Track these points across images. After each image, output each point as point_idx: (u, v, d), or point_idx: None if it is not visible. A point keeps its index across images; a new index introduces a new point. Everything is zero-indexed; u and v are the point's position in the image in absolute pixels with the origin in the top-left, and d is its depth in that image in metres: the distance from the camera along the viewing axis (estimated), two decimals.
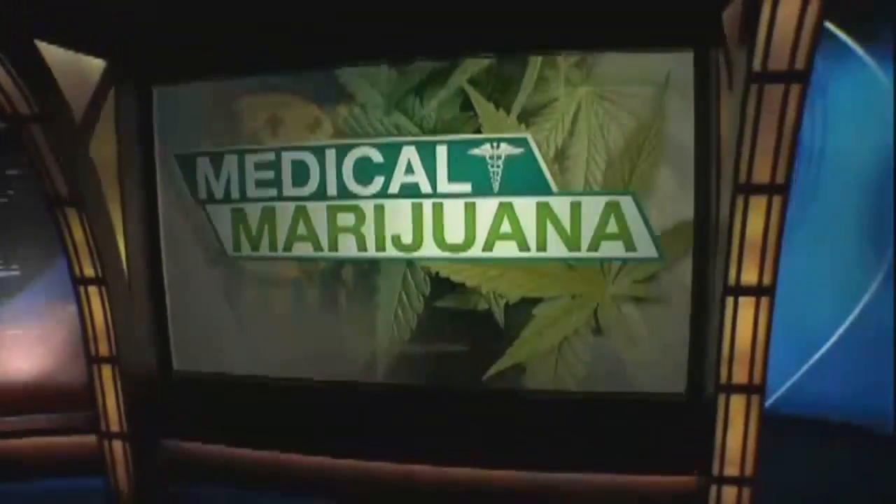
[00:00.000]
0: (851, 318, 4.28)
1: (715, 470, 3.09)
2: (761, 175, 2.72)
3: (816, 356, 4.41)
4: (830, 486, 3.70)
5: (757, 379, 3.00)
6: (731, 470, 3.10)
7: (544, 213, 3.33)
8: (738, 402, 3.04)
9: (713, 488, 3.11)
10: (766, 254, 2.85)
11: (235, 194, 3.57)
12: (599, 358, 3.38)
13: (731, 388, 3.02)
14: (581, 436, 3.41)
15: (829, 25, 4.21)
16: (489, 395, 3.48)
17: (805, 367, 4.47)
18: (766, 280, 2.88)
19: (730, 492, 3.12)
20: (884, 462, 3.78)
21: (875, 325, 4.10)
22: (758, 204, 2.78)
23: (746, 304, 2.93)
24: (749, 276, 2.88)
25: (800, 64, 2.50)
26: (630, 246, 3.29)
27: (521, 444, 3.44)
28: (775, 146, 2.67)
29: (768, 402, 4.57)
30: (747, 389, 3.01)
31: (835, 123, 4.24)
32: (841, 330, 4.31)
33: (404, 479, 3.52)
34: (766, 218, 2.79)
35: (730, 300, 2.93)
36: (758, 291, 2.89)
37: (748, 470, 3.09)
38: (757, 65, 2.50)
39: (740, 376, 3.00)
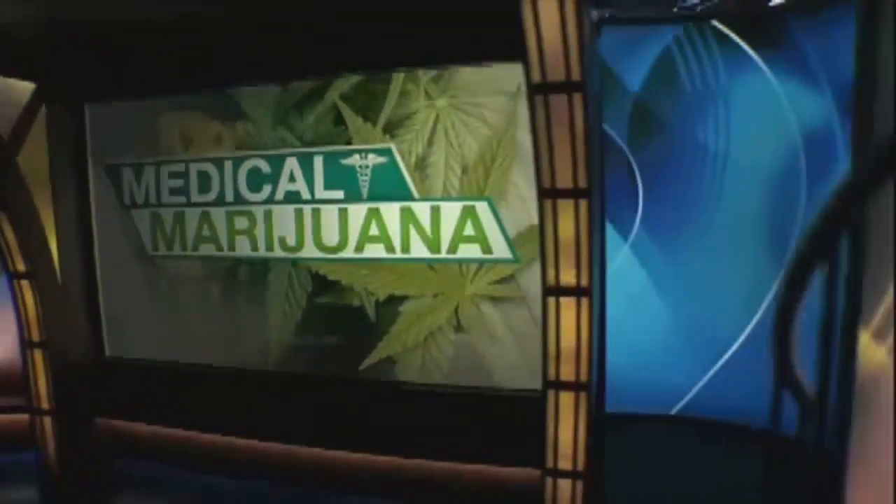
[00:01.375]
0: (754, 321, 4.20)
1: (549, 463, 3.21)
2: (563, 180, 2.85)
3: (723, 360, 4.35)
4: (718, 487, 3.72)
5: (583, 376, 3.10)
6: (564, 464, 3.21)
7: (407, 217, 3.58)
8: (566, 398, 3.15)
9: (549, 481, 3.23)
10: (580, 255, 2.96)
11: (153, 200, 4.07)
12: (462, 353, 3.58)
13: (559, 385, 3.14)
14: (445, 426, 3.62)
15: (730, 34, 4.19)
16: (365, 384, 3.76)
17: (712, 371, 4.42)
18: (584, 281, 2.99)
19: (564, 484, 3.23)
20: (776, 462, 3.74)
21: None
22: (565, 207, 2.91)
23: (567, 304, 3.04)
24: (567, 278, 3.00)
25: (575, 75, 2.63)
26: (486, 248, 3.48)
27: (391, 432, 3.69)
28: (571, 152, 2.80)
29: (679, 406, 4.59)
30: (575, 386, 3.12)
31: (736, 130, 4.19)
32: (745, 334, 4.24)
33: (291, 459, 3.87)
34: (576, 221, 2.91)
35: (551, 300, 3.06)
36: (577, 292, 3.01)
37: (580, 464, 3.19)
38: (536, 77, 2.66)
39: (567, 374, 3.11)
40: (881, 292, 3.02)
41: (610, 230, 4.17)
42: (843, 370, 3.06)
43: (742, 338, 4.32)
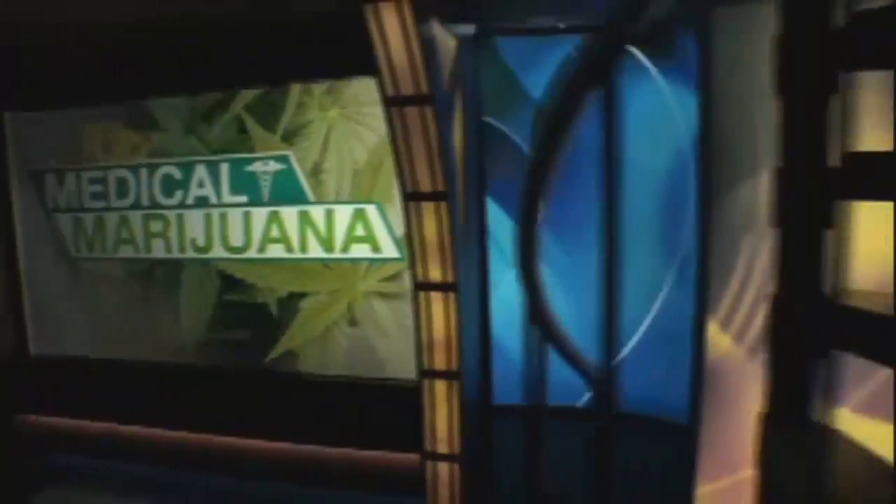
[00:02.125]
0: (651, 316, 4.44)
1: (428, 447, 3.46)
2: (423, 185, 3.10)
3: (623, 353, 4.59)
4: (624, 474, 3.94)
5: (454, 366, 3.35)
6: (442, 447, 3.45)
7: (304, 219, 3.83)
8: (440, 386, 3.39)
9: (428, 464, 3.47)
10: (444, 253, 3.21)
11: (75, 205, 4.34)
12: (356, 346, 3.83)
13: (433, 374, 3.38)
14: (342, 415, 3.87)
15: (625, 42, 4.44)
16: (270, 376, 4.00)
17: (613, 364, 4.65)
18: (449, 277, 3.24)
19: (442, 467, 3.47)
20: (676, 450, 3.96)
21: (668, 322, 4.26)
22: (427, 210, 3.16)
23: (436, 298, 3.29)
24: (434, 274, 3.25)
25: (424, 88, 2.88)
26: (376, 248, 3.73)
27: (293, 420, 3.94)
28: (428, 159, 3.05)
29: (584, 399, 4.82)
30: (447, 375, 3.37)
31: (632, 134, 4.44)
32: (643, 328, 4.47)
33: (206, 447, 4.11)
34: (438, 222, 3.16)
35: (421, 295, 3.31)
36: (444, 287, 3.26)
37: (456, 448, 3.43)
38: (389, 90, 2.91)
39: (440, 363, 3.36)
40: (725, 285, 3.28)
41: (515, 230, 4.37)
42: (695, 357, 3.32)
43: (640, 331, 4.55)
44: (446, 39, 3.15)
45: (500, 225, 3.88)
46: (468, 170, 3.40)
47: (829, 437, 1.78)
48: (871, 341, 1.56)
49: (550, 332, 2.78)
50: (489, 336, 3.71)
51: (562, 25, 4.50)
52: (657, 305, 4.53)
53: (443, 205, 3.13)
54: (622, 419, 4.62)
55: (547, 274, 4.80)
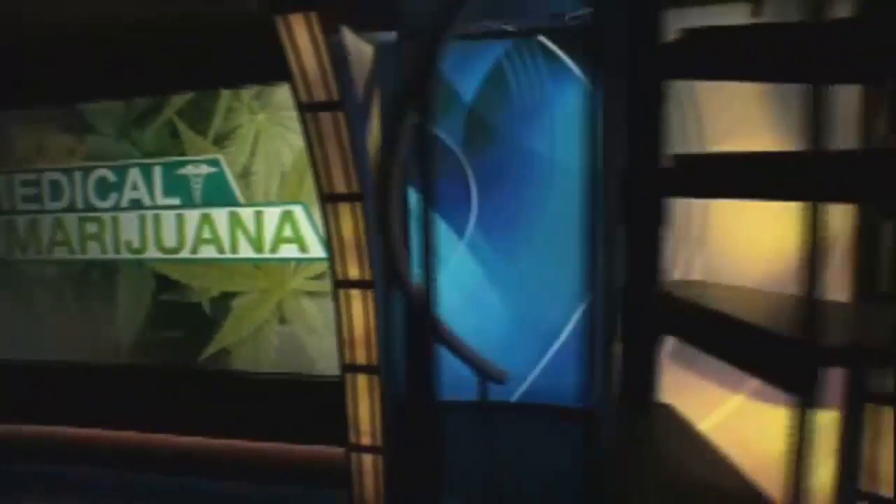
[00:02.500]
0: (579, 312, 4.64)
1: (352, 440, 3.59)
2: (339, 186, 3.24)
3: (554, 348, 4.78)
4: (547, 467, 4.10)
5: (374, 360, 3.49)
6: (365, 440, 3.59)
7: (235, 221, 3.94)
8: (362, 380, 3.53)
9: (353, 456, 3.61)
10: (361, 252, 3.35)
11: (7, 207, 4.40)
12: (286, 344, 3.95)
13: (354, 368, 3.52)
14: (274, 411, 3.99)
15: (554, 48, 4.63)
16: (205, 374, 4.10)
17: (545, 359, 4.84)
18: (367, 275, 3.38)
19: (366, 458, 3.61)
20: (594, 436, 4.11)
21: (592, 318, 4.46)
22: (344, 210, 3.29)
23: (355, 295, 3.43)
24: (353, 272, 3.39)
25: (335, 95, 3.01)
26: (303, 247, 3.85)
27: (227, 417, 4.05)
28: (342, 162, 3.18)
29: (519, 392, 5.01)
30: (368, 370, 3.50)
31: (560, 136, 4.63)
32: (572, 323, 4.67)
33: (144, 446, 4.20)
34: (354, 222, 3.30)
35: (341, 292, 3.44)
36: (362, 284, 3.40)
37: (379, 440, 3.57)
38: (303, 96, 3.04)
39: (361, 358, 3.50)
40: None
41: (446, 230, 4.55)
42: (608, 350, 3.48)
43: (570, 327, 4.74)
44: (361, 46, 3.28)
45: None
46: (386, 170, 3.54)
47: (665, 420, 1.95)
48: (691, 329, 1.72)
49: (434, 329, 2.92)
50: (414, 330, 3.86)
51: (505, 27, 4.67)
52: (586, 301, 4.74)
53: (358, 205, 3.26)
54: (552, 411, 4.82)
55: (479, 273, 4.99)
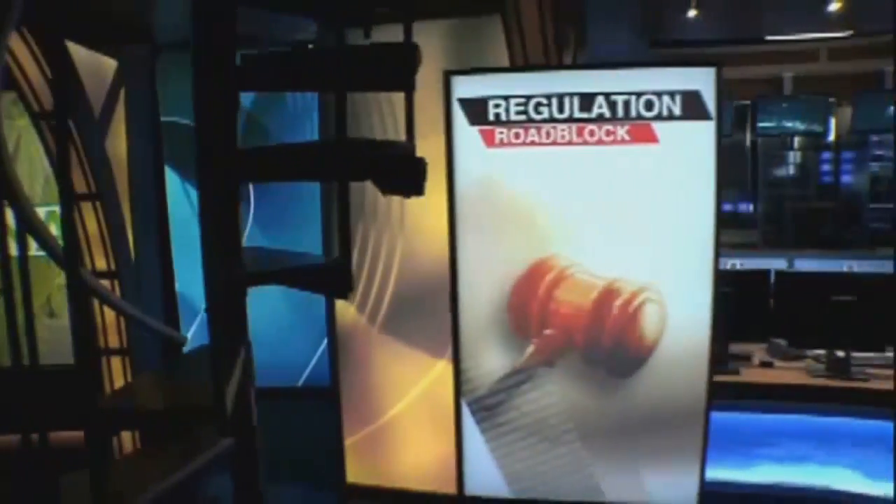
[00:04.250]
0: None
1: None
2: (80, 186, 3.59)
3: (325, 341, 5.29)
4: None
5: (125, 343, 3.85)
6: None
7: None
8: (116, 363, 3.88)
9: (115, 439, 3.95)
10: (106, 245, 3.71)
11: None
12: (55, 336, 4.22)
13: (109, 352, 3.86)
14: (39, 402, 4.23)
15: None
16: None
17: (322, 346, 5.39)
18: (113, 266, 3.74)
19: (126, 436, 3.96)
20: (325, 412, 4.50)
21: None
22: (87, 208, 3.64)
23: (105, 284, 3.78)
24: (100, 263, 3.74)
25: (48, 107, 3.37)
26: None
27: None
28: (80, 164, 3.54)
29: (303, 378, 5.52)
30: (120, 352, 3.86)
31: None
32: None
33: None
34: (97, 219, 3.66)
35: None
36: (109, 275, 3.76)
37: None
38: (34, 106, 3.37)
39: (113, 342, 3.85)
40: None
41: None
42: (330, 327, 4.00)
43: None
44: (99, 59, 3.63)
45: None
46: (140, 170, 3.90)
47: None
48: None
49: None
50: (177, 316, 4.24)
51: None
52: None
53: (98, 203, 3.61)
54: (326, 392, 5.16)
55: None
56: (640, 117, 2.92)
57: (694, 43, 7.24)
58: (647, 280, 2.93)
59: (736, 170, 8.21)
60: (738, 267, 6.64)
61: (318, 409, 4.31)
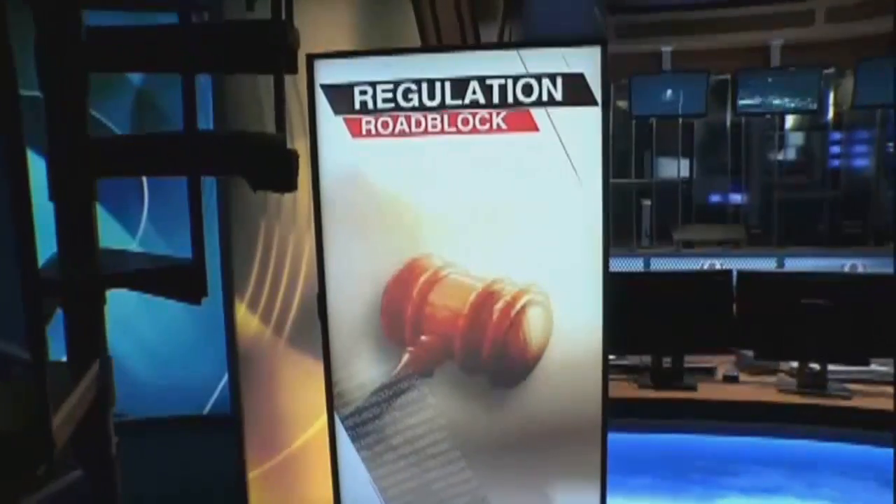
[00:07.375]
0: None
1: None
2: None
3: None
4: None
5: None
6: None
7: None
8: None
9: None
10: None
11: None
12: None
13: None
14: None
15: None
16: None
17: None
18: None
19: None
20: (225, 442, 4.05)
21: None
22: None
23: None
24: None
25: None
26: None
27: None
28: None
29: (210, 404, 4.61)
30: None
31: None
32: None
33: None
34: None
35: None
36: None
37: None
38: None
39: None
40: (249, 269, 3.70)
41: (119, 227, 4.29)
42: (230, 344, 3.73)
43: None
44: None
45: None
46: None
47: None
48: None
49: None
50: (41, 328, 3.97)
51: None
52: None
53: None
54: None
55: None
56: (517, 103, 2.62)
57: (662, 7, 6.45)
58: (530, 280, 2.64)
59: (716, 156, 7.60)
60: (717, 267, 6.26)
61: (224, 439, 3.96)
